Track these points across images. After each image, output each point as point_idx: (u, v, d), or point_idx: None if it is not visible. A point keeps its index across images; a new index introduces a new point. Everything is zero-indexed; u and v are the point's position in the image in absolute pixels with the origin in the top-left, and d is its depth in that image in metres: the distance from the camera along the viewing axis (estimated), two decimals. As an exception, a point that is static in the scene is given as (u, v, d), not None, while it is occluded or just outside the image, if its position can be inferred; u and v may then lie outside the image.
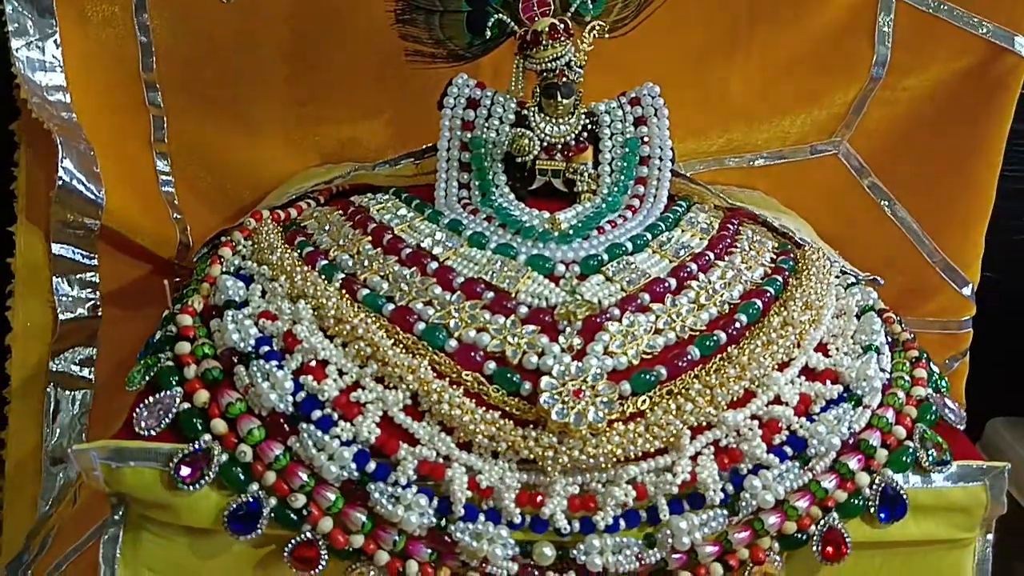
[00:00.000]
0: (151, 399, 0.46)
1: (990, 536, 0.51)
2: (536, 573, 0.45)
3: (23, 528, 0.68)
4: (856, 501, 0.47)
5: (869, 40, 0.73)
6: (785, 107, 0.75)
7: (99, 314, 0.68)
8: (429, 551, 0.44)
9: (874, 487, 0.47)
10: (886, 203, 0.78)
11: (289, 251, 0.53)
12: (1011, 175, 0.79)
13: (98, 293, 0.68)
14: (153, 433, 0.46)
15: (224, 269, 0.53)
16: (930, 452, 0.48)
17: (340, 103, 0.73)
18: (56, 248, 0.65)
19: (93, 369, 0.68)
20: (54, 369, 0.67)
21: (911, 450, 0.48)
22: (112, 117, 0.69)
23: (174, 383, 0.47)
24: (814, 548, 0.46)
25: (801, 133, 0.76)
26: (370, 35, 0.69)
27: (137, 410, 0.46)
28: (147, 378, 0.48)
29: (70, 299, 0.67)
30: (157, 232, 0.70)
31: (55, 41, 0.66)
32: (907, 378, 0.51)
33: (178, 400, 0.46)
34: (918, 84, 0.74)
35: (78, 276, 0.67)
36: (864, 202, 0.78)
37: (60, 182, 0.63)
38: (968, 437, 0.53)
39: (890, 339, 0.54)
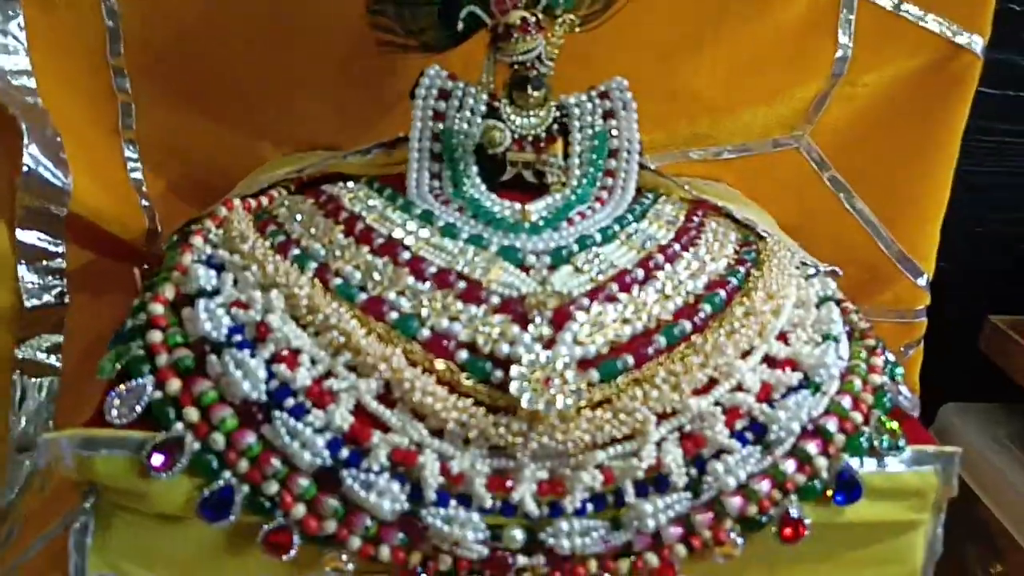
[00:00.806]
0: (122, 387, 0.46)
1: (941, 517, 0.53)
2: (505, 556, 0.46)
3: (-12, 517, 0.67)
4: (814, 484, 0.48)
5: (832, 37, 0.74)
6: (749, 102, 0.77)
7: (66, 301, 0.67)
8: (401, 536, 0.45)
9: (831, 471, 0.49)
10: (845, 196, 0.80)
11: (261, 240, 0.53)
12: (967, 170, 0.82)
13: (64, 280, 0.67)
14: (124, 421, 0.46)
15: (195, 258, 0.53)
16: (884, 437, 0.50)
17: (311, 90, 0.73)
18: (22, 235, 0.64)
19: (60, 356, 0.68)
20: (20, 356, 0.66)
21: (867, 435, 0.50)
22: (79, 103, 0.68)
23: (145, 372, 0.47)
24: (773, 529, 0.48)
25: (765, 127, 0.78)
26: (340, 24, 0.68)
27: (108, 398, 0.46)
28: (118, 367, 0.48)
29: (36, 286, 0.66)
30: (125, 219, 0.70)
31: (19, 24, 0.65)
32: (864, 366, 0.53)
33: (150, 389, 0.46)
34: (877, 80, 0.76)
35: (44, 263, 0.66)
36: (824, 194, 0.80)
37: (25, 168, 0.62)
38: (922, 422, 0.55)
39: (848, 328, 0.56)
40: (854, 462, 0.49)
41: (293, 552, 0.45)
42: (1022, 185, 0.92)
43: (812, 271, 0.61)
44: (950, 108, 0.76)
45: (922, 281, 0.82)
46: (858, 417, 0.50)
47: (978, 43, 0.73)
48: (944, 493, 0.51)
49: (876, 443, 0.50)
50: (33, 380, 0.66)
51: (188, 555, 0.47)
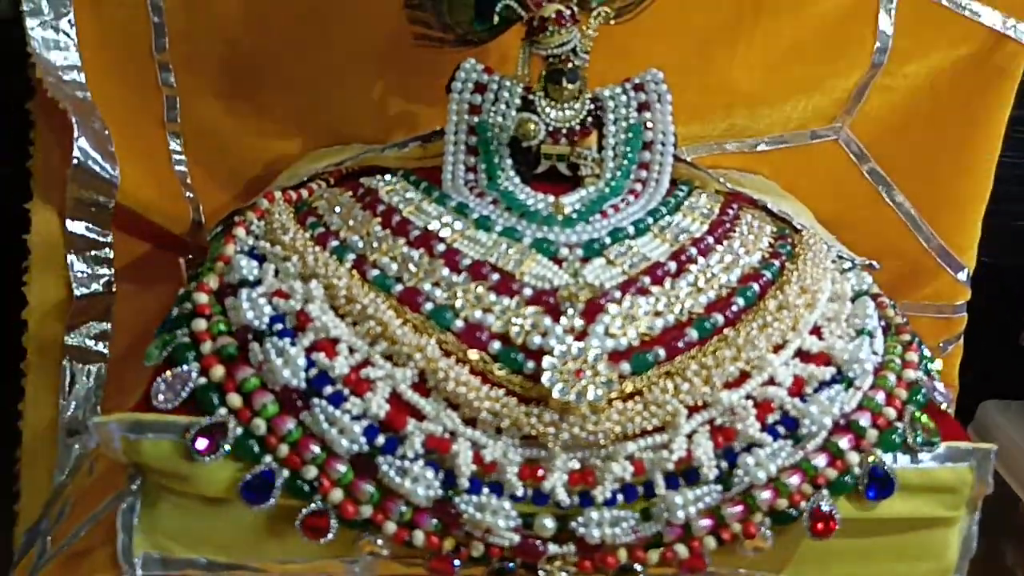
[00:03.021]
0: (168, 374, 0.48)
1: (976, 515, 0.52)
2: (536, 544, 0.46)
3: (40, 497, 0.69)
4: (846, 479, 0.48)
5: (871, 26, 0.73)
6: (787, 93, 0.76)
7: (113, 290, 0.70)
8: (435, 522, 0.46)
9: (863, 466, 0.48)
10: (884, 188, 0.79)
11: (301, 232, 0.55)
12: (1010, 161, 0.80)
13: (112, 270, 0.69)
14: (170, 407, 0.47)
15: (238, 249, 0.54)
16: (918, 433, 0.50)
17: (349, 85, 0.74)
18: (71, 225, 0.67)
19: (107, 343, 0.70)
20: (69, 343, 0.69)
21: (900, 431, 0.50)
22: (126, 97, 0.70)
23: (191, 359, 0.48)
24: (804, 524, 0.48)
25: (802, 118, 0.77)
26: (378, 18, 0.70)
27: (155, 384, 0.48)
28: (164, 353, 0.50)
29: (85, 275, 0.68)
30: (170, 210, 0.72)
31: (69, 20, 0.67)
32: (898, 361, 0.53)
33: (195, 375, 0.48)
34: (918, 71, 0.75)
35: (92, 253, 0.68)
36: (863, 187, 0.79)
37: (76, 161, 0.64)
38: (961, 419, 0.54)
39: (883, 323, 0.56)
40: (887, 457, 0.49)
41: (331, 535, 0.46)
42: (1066, 178, 0.90)
43: (848, 265, 0.61)
44: (993, 99, 0.75)
45: (962, 276, 0.81)
46: (891, 412, 0.50)
47: (1023, 31, 0.72)
48: (979, 490, 0.51)
49: (910, 439, 0.49)
50: (82, 366, 0.69)
51: (230, 536, 0.49)
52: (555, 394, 0.45)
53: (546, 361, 0.46)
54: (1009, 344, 0.90)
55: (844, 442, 0.48)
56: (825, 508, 0.48)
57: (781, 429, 0.48)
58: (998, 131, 0.76)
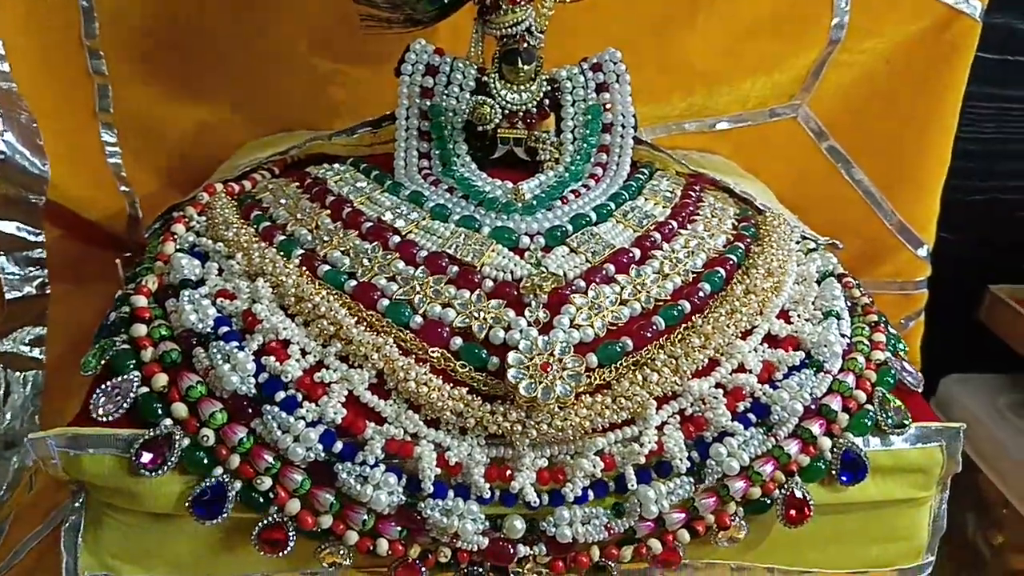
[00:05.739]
0: (108, 384, 0.45)
1: (946, 493, 0.52)
2: (506, 546, 0.45)
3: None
4: (818, 465, 0.48)
5: (828, 3, 0.73)
6: (746, 71, 0.75)
7: (47, 292, 0.66)
8: (399, 529, 0.44)
9: (835, 451, 0.48)
10: (843, 166, 0.79)
11: (245, 226, 0.52)
12: (966, 137, 0.81)
13: (46, 270, 0.66)
14: (111, 419, 0.44)
15: (178, 247, 0.52)
16: (889, 415, 0.49)
17: (292, 69, 0.71)
18: (0, 225, 0.63)
19: (43, 349, 0.67)
20: (3, 350, 0.65)
21: (871, 414, 0.49)
22: (54, 86, 0.67)
23: (131, 367, 0.45)
24: (778, 511, 0.47)
25: (761, 96, 0.76)
26: (322, -1, 0.67)
27: (94, 395, 0.45)
28: (103, 362, 0.46)
29: (17, 277, 0.64)
30: (105, 206, 0.68)
31: (-10, 6, 0.62)
32: (866, 343, 0.52)
33: (136, 384, 0.45)
34: (875, 47, 0.75)
35: (24, 253, 0.64)
36: (822, 165, 0.79)
37: (2, 156, 0.60)
38: (923, 394, 0.54)
39: (849, 304, 0.55)
40: (859, 441, 0.48)
41: (289, 548, 0.44)
42: (1023, 152, 0.91)
43: (812, 245, 0.60)
44: (949, 74, 0.75)
45: (922, 252, 0.81)
46: (861, 395, 0.49)
47: (976, 7, 0.72)
48: (949, 469, 0.50)
49: (881, 421, 0.49)
50: (17, 374, 0.65)
51: (183, 553, 0.46)
52: (521, 390, 0.43)
53: (511, 356, 0.44)
54: (969, 319, 0.91)
55: (816, 427, 0.48)
56: (799, 495, 0.47)
57: (752, 416, 0.47)
58: (954, 107, 0.76)
